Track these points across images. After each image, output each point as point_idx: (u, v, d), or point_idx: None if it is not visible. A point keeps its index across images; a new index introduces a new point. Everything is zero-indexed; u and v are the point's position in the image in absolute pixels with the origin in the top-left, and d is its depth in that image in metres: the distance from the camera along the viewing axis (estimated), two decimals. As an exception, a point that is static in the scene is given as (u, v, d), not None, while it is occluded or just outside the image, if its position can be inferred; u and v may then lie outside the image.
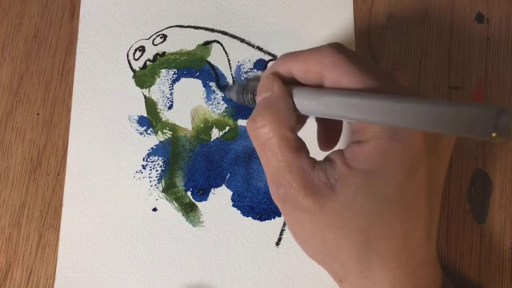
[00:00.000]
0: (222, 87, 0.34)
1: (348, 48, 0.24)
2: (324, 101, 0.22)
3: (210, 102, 0.34)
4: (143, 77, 0.35)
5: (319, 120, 0.29)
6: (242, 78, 0.35)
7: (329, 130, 0.29)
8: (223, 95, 0.34)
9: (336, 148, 0.29)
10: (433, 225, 0.23)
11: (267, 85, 0.25)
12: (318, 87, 0.24)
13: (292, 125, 0.23)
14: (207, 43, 0.35)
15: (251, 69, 0.35)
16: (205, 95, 0.34)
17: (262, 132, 0.23)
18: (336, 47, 0.23)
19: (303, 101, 0.24)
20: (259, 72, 0.35)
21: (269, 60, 0.35)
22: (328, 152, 0.24)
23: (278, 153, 0.23)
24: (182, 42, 0.35)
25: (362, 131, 0.22)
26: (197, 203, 0.33)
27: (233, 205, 0.33)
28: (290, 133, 0.23)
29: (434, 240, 0.23)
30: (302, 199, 0.22)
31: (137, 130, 0.34)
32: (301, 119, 0.28)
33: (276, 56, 0.35)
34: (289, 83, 0.25)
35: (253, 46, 0.35)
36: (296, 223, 0.23)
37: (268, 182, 0.24)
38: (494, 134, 0.16)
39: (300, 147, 0.23)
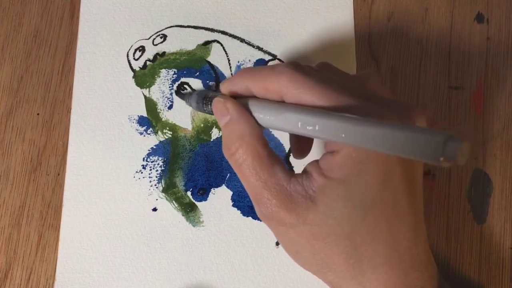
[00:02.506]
0: (181, 94, 0.34)
1: (305, 65, 0.24)
2: (282, 118, 0.23)
3: (210, 102, 0.34)
4: (143, 77, 0.35)
5: None
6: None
7: (301, 139, 0.29)
8: (223, 95, 0.34)
9: (310, 156, 0.29)
10: (419, 225, 0.23)
11: (221, 109, 0.25)
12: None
13: (261, 139, 0.24)
14: (207, 43, 0.35)
15: (251, 69, 0.35)
16: (205, 95, 0.34)
17: (236, 157, 0.24)
18: (292, 66, 0.23)
19: (261, 116, 0.24)
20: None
21: (269, 60, 0.35)
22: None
23: (253, 173, 0.23)
24: (182, 42, 0.35)
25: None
26: (197, 203, 0.33)
27: (233, 205, 0.33)
28: (262, 150, 0.23)
29: (423, 240, 0.23)
30: (284, 215, 0.22)
31: (137, 130, 0.34)
32: None
33: (276, 56, 0.35)
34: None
35: (253, 46, 0.35)
36: (284, 238, 0.24)
37: (252, 202, 0.24)
38: (441, 159, 0.16)
39: (273, 162, 0.24)
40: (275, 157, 0.24)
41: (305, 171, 0.23)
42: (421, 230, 0.23)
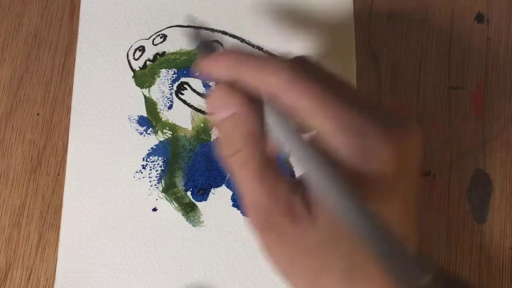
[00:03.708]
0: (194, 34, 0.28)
1: (310, 62, 0.22)
2: (292, 144, 0.20)
3: (210, 102, 0.34)
4: (143, 77, 0.35)
5: None
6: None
7: None
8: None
9: None
10: (418, 244, 0.22)
11: (223, 101, 0.21)
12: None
13: (266, 144, 0.21)
14: (207, 43, 0.35)
15: (251, 69, 0.35)
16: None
17: (237, 158, 0.21)
18: (293, 63, 0.21)
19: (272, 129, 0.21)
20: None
21: (269, 60, 0.35)
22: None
23: (258, 179, 0.21)
24: (182, 42, 0.35)
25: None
26: (197, 203, 0.33)
27: (233, 205, 0.33)
28: (268, 155, 0.21)
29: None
30: (287, 226, 0.20)
31: (137, 130, 0.34)
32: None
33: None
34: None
35: (253, 46, 0.35)
36: (279, 251, 0.21)
37: (248, 210, 0.21)
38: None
39: (280, 169, 0.21)
40: (278, 164, 0.22)
41: (304, 180, 0.21)
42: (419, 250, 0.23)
